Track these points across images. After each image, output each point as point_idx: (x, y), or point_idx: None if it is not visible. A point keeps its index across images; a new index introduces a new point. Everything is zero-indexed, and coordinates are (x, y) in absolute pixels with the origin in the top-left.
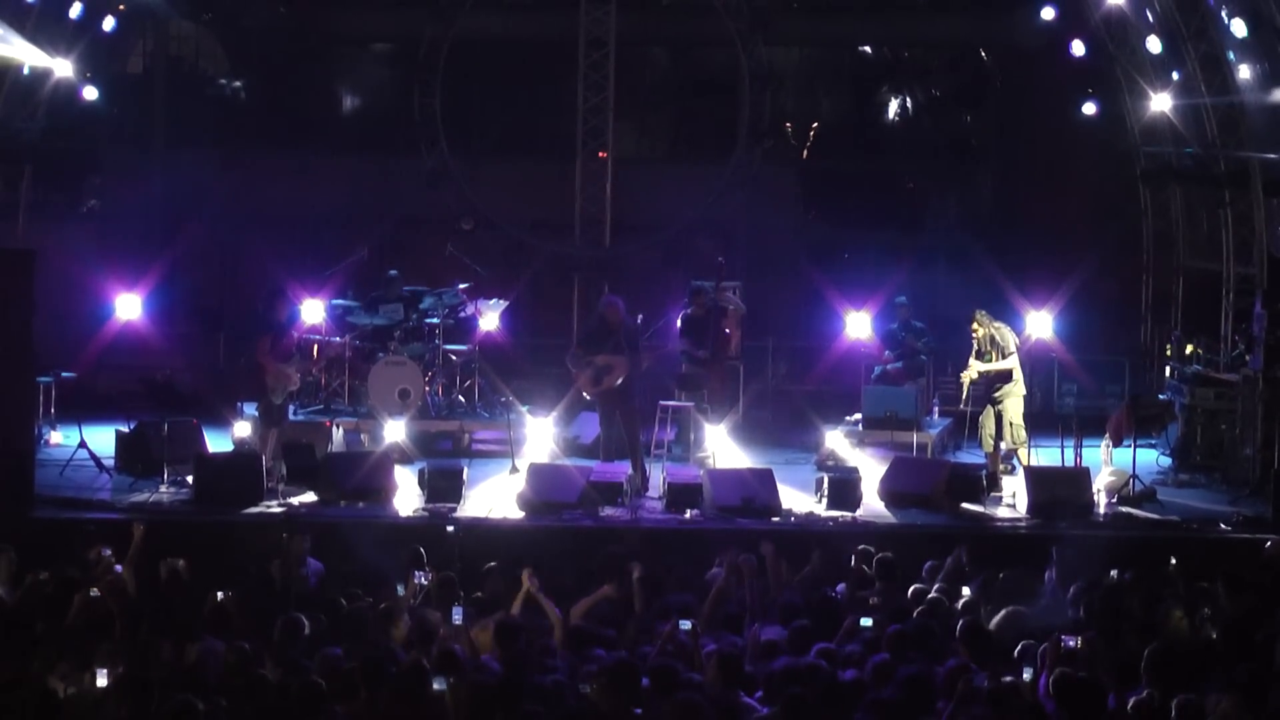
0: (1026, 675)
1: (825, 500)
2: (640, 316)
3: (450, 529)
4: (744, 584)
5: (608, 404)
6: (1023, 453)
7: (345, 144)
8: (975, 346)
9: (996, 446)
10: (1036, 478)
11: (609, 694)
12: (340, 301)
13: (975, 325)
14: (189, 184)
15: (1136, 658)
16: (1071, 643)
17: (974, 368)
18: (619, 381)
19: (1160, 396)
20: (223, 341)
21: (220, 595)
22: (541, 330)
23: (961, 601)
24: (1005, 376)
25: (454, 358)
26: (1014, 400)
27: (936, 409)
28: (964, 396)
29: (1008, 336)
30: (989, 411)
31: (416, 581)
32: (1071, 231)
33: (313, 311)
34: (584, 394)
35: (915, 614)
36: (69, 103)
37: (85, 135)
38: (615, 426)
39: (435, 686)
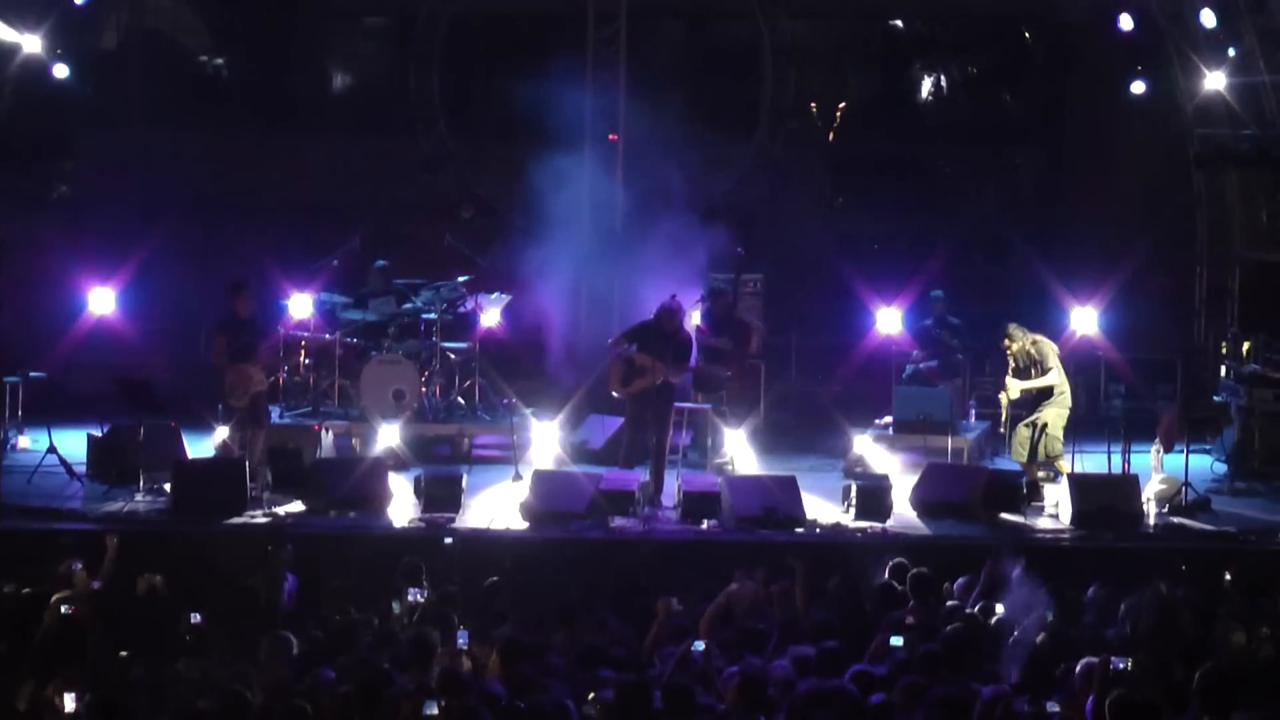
0: (1052, 707)
1: (853, 510)
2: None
3: (448, 541)
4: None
5: (641, 406)
6: (1063, 462)
7: (336, 126)
8: (1011, 363)
9: (1033, 454)
10: (1081, 486)
11: (614, 716)
12: (329, 295)
13: (1008, 341)
14: (168, 169)
15: (1188, 679)
16: (1120, 664)
17: (1013, 387)
18: (648, 386)
19: (1215, 398)
20: (204, 339)
21: (199, 613)
22: (547, 327)
23: (995, 619)
24: (1048, 392)
25: (452, 356)
26: (1055, 410)
27: (973, 411)
28: (1004, 418)
29: (1046, 350)
30: (1022, 425)
31: (412, 598)
32: (1119, 220)
33: (300, 306)
34: (613, 392)
35: (945, 632)
36: (38, 82)
37: (55, 117)
38: (643, 430)
39: (429, 711)
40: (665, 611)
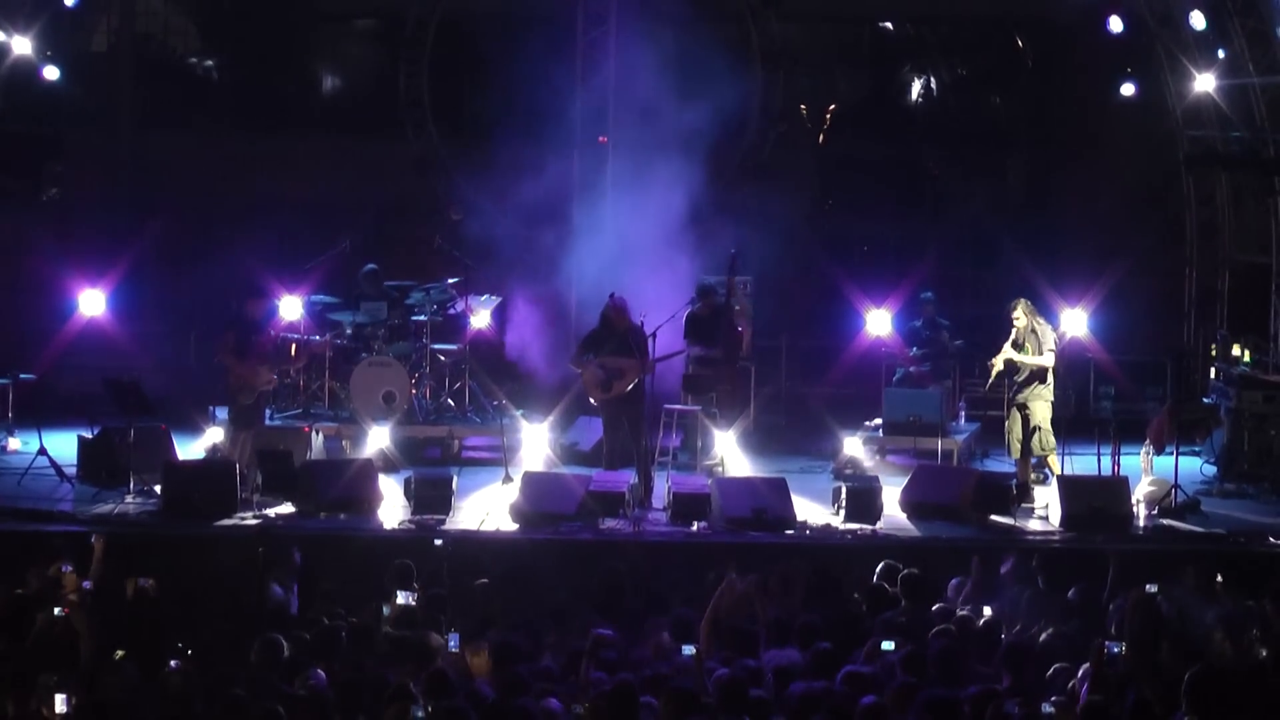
0: (1047, 709)
1: (843, 512)
2: (644, 317)
3: (438, 542)
4: (741, 602)
5: (614, 410)
6: (1054, 461)
7: (326, 128)
8: (1013, 336)
9: (1025, 453)
10: (1071, 488)
11: (603, 717)
12: (320, 298)
13: (1018, 314)
14: (158, 171)
15: (1177, 680)
16: (1115, 649)
17: (1006, 353)
18: (630, 387)
19: (1204, 400)
20: (193, 341)
21: (190, 615)
22: (536, 328)
23: (983, 620)
24: (1039, 375)
25: (443, 358)
26: (1041, 404)
27: (963, 413)
28: (989, 384)
29: (1048, 334)
30: (1015, 416)
31: (402, 601)
32: (1109, 222)
33: (291, 308)
34: (591, 400)
35: (933, 634)
36: (28, 83)
37: (46, 118)
38: (621, 433)
39: (417, 714)
40: (658, 651)
